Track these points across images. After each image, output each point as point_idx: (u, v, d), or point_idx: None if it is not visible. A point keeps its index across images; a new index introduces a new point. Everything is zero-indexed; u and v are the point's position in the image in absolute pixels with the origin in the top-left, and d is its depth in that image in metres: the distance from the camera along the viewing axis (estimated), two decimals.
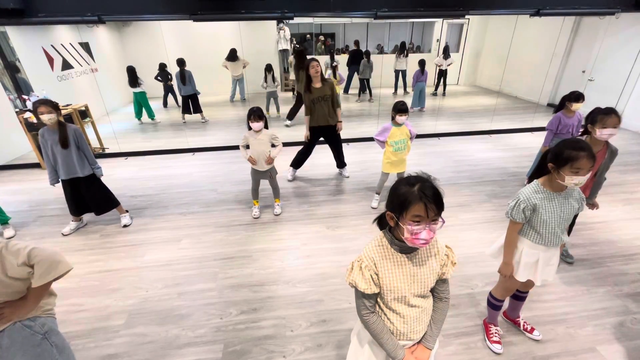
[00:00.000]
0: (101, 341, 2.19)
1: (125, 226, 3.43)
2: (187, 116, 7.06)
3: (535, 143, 5.33)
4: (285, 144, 5.52)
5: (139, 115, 7.04)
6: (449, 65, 8.45)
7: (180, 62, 6.63)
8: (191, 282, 2.67)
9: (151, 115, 7.11)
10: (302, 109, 6.20)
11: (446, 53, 8.40)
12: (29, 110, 4.69)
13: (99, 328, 2.28)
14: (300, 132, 4.61)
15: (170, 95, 7.74)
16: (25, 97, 5.05)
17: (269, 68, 6.87)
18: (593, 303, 2.40)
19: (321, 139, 4.24)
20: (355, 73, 8.61)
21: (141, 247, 3.12)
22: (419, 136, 5.89)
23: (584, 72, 6.84)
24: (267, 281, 2.67)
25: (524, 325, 2.17)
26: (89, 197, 3.27)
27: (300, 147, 4.41)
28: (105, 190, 3.36)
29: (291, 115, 6.58)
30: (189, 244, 3.15)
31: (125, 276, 2.76)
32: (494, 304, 2.05)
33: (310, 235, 3.23)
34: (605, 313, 2.32)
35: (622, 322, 2.25)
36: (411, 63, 8.31)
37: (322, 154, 4.88)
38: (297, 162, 4.41)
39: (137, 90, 6.75)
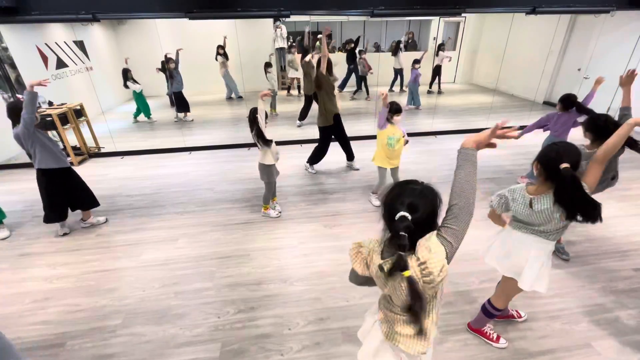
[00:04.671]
0: (98, 341, 2.18)
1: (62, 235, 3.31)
2: (181, 115, 7.04)
3: (531, 140, 5.35)
4: (297, 142, 5.56)
5: (136, 113, 6.99)
6: (441, 60, 8.47)
7: (167, 61, 6.63)
8: (188, 282, 2.66)
9: (147, 114, 7.05)
10: (312, 109, 6.23)
11: (440, 49, 8.45)
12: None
13: (95, 328, 2.28)
14: (310, 132, 4.62)
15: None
16: (19, 96, 5.00)
17: (268, 65, 6.85)
18: (588, 299, 2.42)
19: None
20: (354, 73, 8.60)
21: (138, 246, 3.11)
22: (415, 134, 5.90)
23: (579, 70, 6.88)
24: (265, 280, 2.67)
25: (510, 314, 2.22)
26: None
27: (312, 145, 4.51)
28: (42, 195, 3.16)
29: (302, 116, 6.55)
30: (186, 243, 3.14)
31: (122, 276, 2.75)
32: (491, 312, 2.00)
33: (308, 234, 3.23)
34: (600, 309, 2.34)
35: (617, 318, 2.27)
36: (407, 62, 8.29)
37: None
38: (314, 159, 4.55)
39: (133, 89, 6.69)
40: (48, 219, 3.18)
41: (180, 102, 6.89)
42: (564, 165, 1.46)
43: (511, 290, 1.89)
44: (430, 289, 1.10)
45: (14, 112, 2.83)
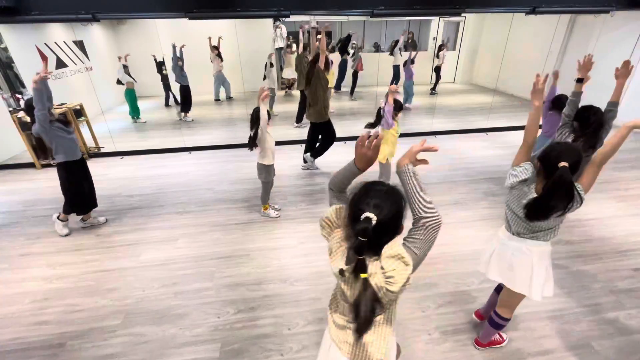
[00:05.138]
0: (98, 341, 2.18)
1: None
2: (181, 114, 7.05)
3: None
4: (297, 142, 5.56)
5: (132, 113, 6.99)
6: (442, 60, 8.51)
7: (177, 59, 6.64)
8: (188, 282, 2.66)
9: (136, 114, 6.96)
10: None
11: (440, 49, 8.48)
12: (23, 110, 4.65)
13: (95, 328, 2.27)
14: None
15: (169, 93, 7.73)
16: (18, 96, 5.00)
17: (270, 63, 6.82)
18: (588, 299, 2.42)
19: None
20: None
21: (137, 246, 3.11)
22: (414, 134, 5.91)
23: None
24: (264, 280, 2.67)
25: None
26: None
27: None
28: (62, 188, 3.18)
29: (299, 118, 6.46)
30: (186, 243, 3.14)
31: (122, 276, 2.74)
32: (500, 324, 1.94)
33: (307, 234, 3.23)
34: (599, 309, 2.35)
35: (617, 318, 2.27)
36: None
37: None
38: (319, 152, 4.56)
39: (120, 77, 6.66)
40: (69, 211, 3.20)
41: (185, 99, 6.88)
42: (563, 163, 1.47)
43: (520, 299, 1.87)
44: (388, 298, 1.05)
45: (30, 109, 2.81)
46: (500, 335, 2.09)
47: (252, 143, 3.11)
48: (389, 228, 1.02)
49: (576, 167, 1.50)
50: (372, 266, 1.03)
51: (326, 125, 4.37)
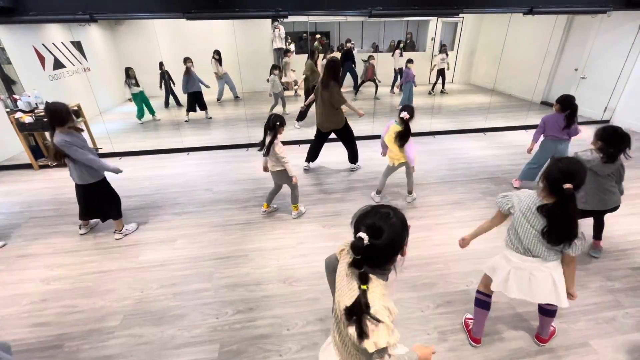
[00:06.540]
0: (96, 342, 2.17)
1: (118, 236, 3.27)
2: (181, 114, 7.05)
3: (529, 141, 5.36)
4: (296, 142, 5.54)
5: (139, 115, 6.96)
6: (443, 63, 8.52)
7: (185, 60, 6.70)
8: (187, 282, 2.66)
9: (140, 115, 6.99)
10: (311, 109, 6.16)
11: (442, 51, 8.50)
12: (20, 111, 4.63)
13: (93, 329, 2.27)
14: (308, 132, 4.59)
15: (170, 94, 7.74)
16: (16, 97, 4.98)
17: (274, 67, 6.79)
18: (586, 298, 2.43)
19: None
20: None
21: (136, 247, 3.10)
22: (414, 134, 5.91)
23: (576, 70, 6.91)
24: (263, 280, 2.67)
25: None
26: (93, 204, 3.17)
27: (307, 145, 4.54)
28: (108, 200, 3.18)
29: (301, 116, 6.42)
30: (184, 244, 3.13)
31: (120, 277, 2.74)
32: (551, 310, 1.95)
33: (306, 234, 3.23)
34: (597, 308, 2.35)
35: (615, 317, 2.28)
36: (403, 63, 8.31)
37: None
38: (354, 155, 4.57)
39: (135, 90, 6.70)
40: (120, 214, 3.23)
41: (192, 102, 6.93)
42: (567, 186, 1.49)
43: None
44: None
45: (54, 115, 2.65)
46: (552, 325, 2.11)
47: (267, 150, 3.08)
48: (386, 252, 1.05)
49: (580, 185, 1.52)
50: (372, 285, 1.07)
51: (345, 130, 4.33)
